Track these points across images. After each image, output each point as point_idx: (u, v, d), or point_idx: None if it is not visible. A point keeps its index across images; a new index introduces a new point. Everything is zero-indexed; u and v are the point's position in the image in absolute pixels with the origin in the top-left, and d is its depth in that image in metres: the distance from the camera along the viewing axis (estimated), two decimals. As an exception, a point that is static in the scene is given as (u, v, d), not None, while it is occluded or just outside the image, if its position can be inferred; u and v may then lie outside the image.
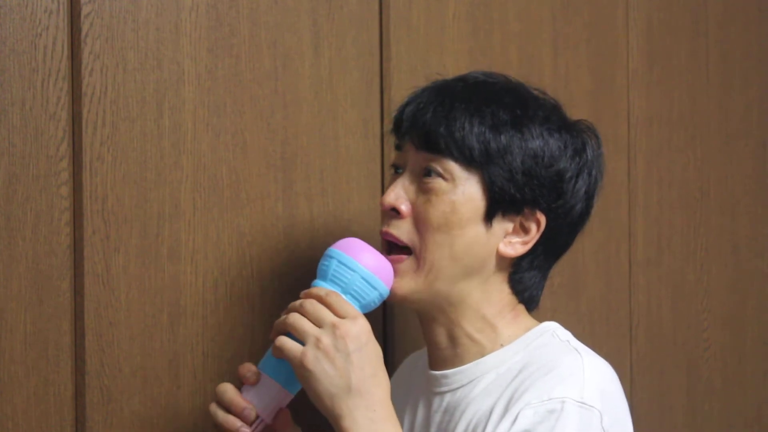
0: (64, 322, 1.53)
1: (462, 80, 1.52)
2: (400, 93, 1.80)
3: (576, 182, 1.49)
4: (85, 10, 1.53)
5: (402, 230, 1.46)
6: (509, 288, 1.50)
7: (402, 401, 1.60)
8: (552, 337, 1.47)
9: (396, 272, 1.46)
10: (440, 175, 1.45)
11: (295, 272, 1.72)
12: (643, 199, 2.25)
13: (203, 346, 1.63)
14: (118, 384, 1.56)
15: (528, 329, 1.49)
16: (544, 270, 1.53)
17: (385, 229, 1.48)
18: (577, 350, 1.43)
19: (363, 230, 1.77)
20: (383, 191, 1.80)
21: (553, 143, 1.47)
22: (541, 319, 1.53)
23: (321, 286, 1.41)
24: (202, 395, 1.63)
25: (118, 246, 1.56)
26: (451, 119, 1.45)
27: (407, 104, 1.51)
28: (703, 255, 2.37)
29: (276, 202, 1.70)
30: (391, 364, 1.81)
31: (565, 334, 1.49)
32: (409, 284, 1.46)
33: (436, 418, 1.50)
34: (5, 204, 1.48)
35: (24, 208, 1.49)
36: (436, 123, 1.46)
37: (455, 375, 1.49)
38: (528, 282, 1.51)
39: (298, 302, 1.39)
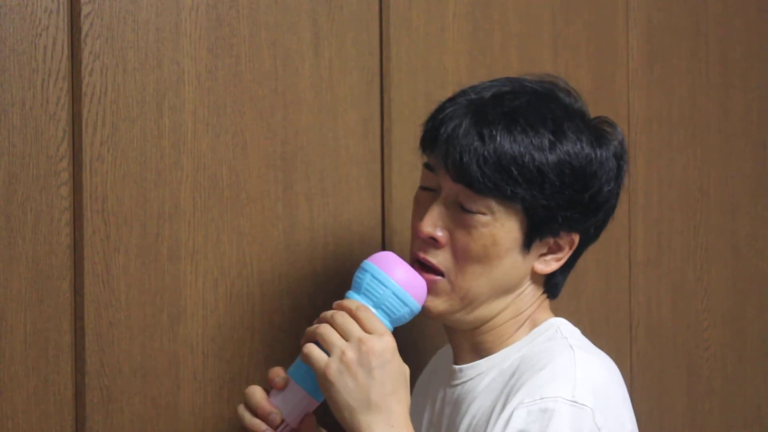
0: (64, 322, 1.53)
1: (498, 102, 1.45)
2: (400, 93, 1.80)
3: (615, 201, 1.50)
4: (85, 10, 1.53)
5: (439, 258, 1.46)
6: (542, 291, 1.53)
7: (425, 394, 1.63)
8: (555, 333, 1.49)
9: (430, 290, 1.46)
10: (480, 211, 1.44)
11: (295, 272, 1.72)
12: (643, 199, 2.25)
13: (203, 346, 1.63)
14: (118, 384, 1.56)
15: (536, 326, 1.51)
16: (573, 267, 1.55)
17: (422, 255, 1.47)
18: (572, 347, 1.44)
19: (363, 230, 1.78)
20: (383, 191, 1.80)
21: (589, 162, 1.45)
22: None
23: (353, 299, 1.42)
24: (202, 395, 1.63)
25: (118, 246, 1.56)
26: (492, 154, 1.41)
27: (442, 122, 1.46)
28: (703, 255, 2.37)
29: (276, 202, 1.70)
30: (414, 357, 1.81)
31: (569, 331, 1.50)
32: (444, 305, 1.47)
33: (447, 410, 1.53)
34: (5, 204, 1.48)
35: (24, 208, 1.49)
36: (478, 158, 1.41)
37: (468, 369, 1.51)
38: (560, 283, 1.55)
39: (329, 313, 1.40)
